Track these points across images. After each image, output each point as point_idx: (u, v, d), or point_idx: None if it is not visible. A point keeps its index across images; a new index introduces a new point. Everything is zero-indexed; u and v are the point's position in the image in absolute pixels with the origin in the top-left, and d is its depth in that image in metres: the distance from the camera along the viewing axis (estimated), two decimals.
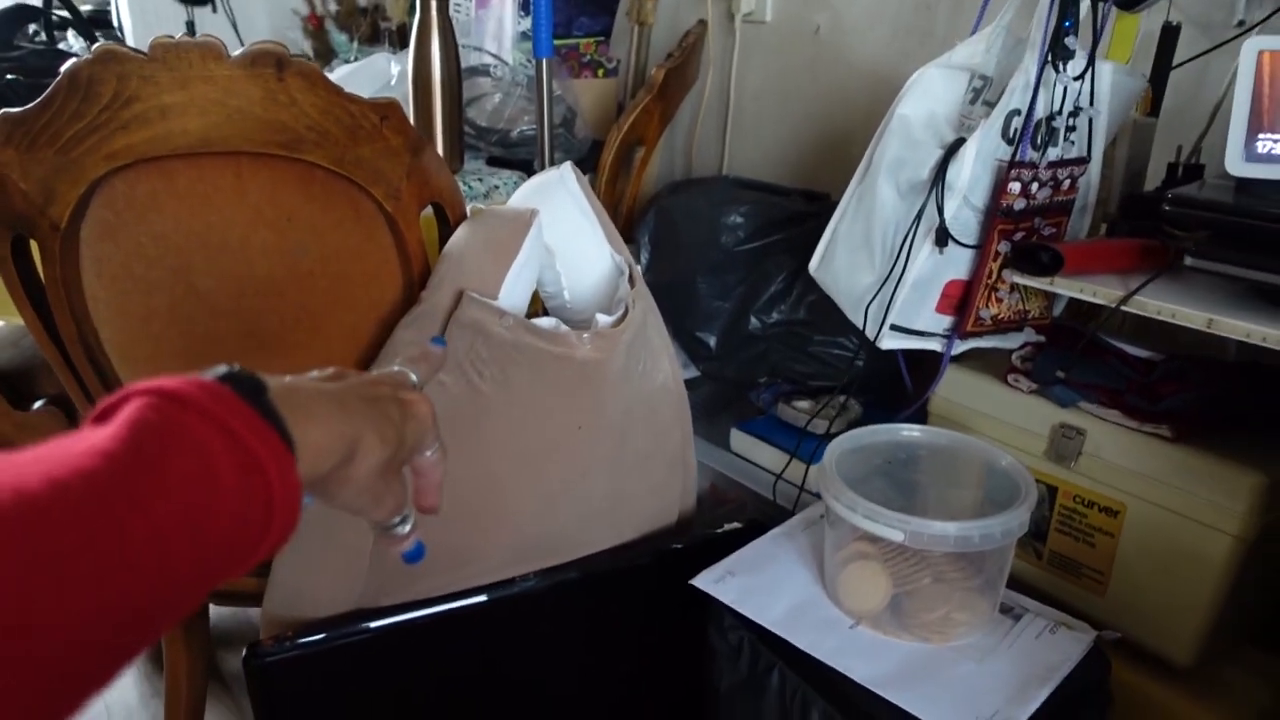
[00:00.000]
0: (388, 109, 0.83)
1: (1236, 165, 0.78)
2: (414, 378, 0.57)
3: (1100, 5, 0.94)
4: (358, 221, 0.88)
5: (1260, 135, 0.76)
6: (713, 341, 1.37)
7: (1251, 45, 0.77)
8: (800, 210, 1.36)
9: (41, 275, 0.84)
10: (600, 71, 1.80)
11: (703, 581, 0.88)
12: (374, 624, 0.87)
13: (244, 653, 0.83)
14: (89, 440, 0.35)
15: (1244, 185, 0.79)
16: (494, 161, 1.52)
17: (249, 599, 0.96)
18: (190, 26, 2.11)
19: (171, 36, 0.75)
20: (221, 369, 0.41)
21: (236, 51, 0.77)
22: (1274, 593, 0.93)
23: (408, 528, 0.56)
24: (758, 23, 1.71)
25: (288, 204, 0.86)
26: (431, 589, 0.90)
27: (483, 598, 0.91)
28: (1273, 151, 0.76)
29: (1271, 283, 0.75)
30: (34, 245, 0.83)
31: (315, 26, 2.17)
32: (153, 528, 0.34)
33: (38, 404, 1.17)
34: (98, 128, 0.75)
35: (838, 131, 1.61)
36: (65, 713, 0.32)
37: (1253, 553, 0.84)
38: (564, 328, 0.88)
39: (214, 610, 1.19)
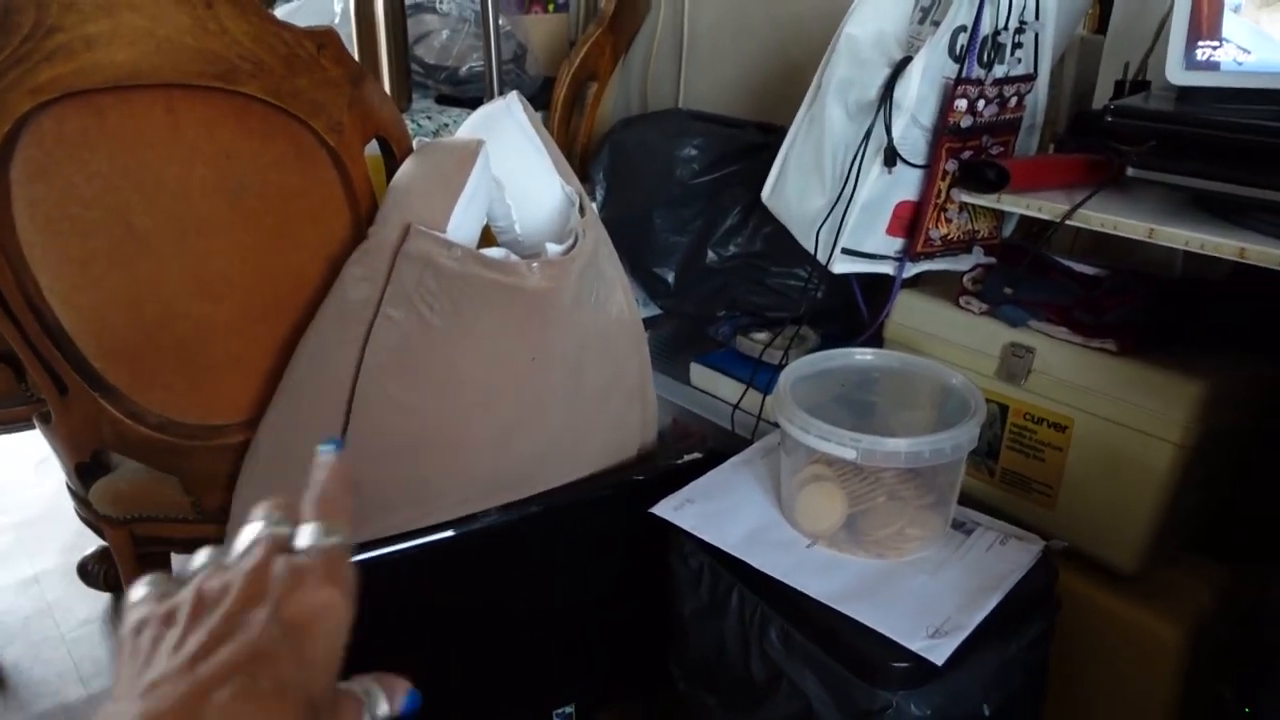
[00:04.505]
0: (324, 37, 0.81)
1: (1177, 74, 0.78)
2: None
3: None
4: (299, 157, 0.86)
5: (1200, 43, 0.76)
6: (671, 277, 1.36)
7: None
8: (755, 142, 1.35)
9: None
10: (550, 6, 1.76)
11: (662, 509, 0.89)
12: None
13: None
14: None
15: (1186, 94, 0.79)
16: (444, 100, 1.49)
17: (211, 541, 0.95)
18: None
19: None
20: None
21: None
22: (1213, 500, 0.96)
23: (383, 707, 0.45)
24: None
25: (225, 139, 0.83)
26: (396, 525, 0.90)
27: (448, 533, 0.91)
28: (1211, 58, 0.76)
29: (1210, 190, 0.75)
30: None
31: None
32: None
33: None
34: (19, 60, 0.73)
35: (793, 63, 1.59)
36: None
37: (1193, 460, 0.86)
38: (514, 257, 0.87)
39: (175, 559, 1.19)
